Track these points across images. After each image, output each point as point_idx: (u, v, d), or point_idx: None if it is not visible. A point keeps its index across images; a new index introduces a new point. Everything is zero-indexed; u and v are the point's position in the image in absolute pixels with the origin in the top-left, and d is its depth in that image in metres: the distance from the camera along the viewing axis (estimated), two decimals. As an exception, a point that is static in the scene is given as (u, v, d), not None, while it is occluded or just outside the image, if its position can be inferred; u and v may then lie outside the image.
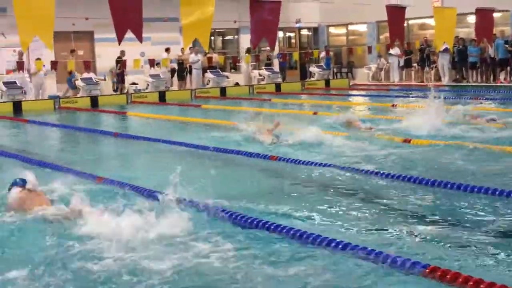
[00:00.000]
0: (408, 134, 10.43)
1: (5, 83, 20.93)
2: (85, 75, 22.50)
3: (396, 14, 16.84)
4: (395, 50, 25.23)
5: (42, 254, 4.91)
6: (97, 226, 5.34)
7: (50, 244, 5.13)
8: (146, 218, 5.34)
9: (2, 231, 5.55)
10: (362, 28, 29.22)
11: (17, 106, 19.95)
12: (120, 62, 22.68)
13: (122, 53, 22.68)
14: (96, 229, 5.30)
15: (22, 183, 6.33)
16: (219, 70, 25.61)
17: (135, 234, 5.12)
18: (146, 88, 23.46)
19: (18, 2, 9.46)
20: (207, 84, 24.65)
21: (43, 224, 5.67)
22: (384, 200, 6.44)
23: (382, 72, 27.20)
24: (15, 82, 21.19)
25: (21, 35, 9.84)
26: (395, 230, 5.37)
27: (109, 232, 5.13)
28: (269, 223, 5.43)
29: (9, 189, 6.33)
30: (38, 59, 21.21)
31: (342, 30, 30.47)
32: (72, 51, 22.98)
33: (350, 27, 29.73)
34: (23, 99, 20.65)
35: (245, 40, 28.64)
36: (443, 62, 23.88)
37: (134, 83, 23.94)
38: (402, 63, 25.98)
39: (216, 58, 25.52)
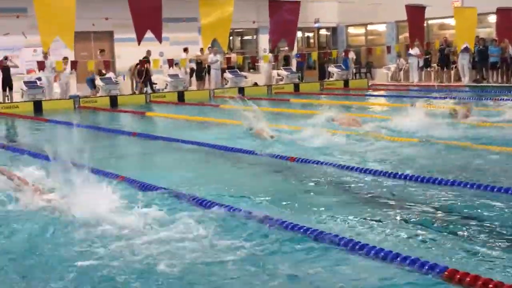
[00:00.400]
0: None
1: (25, 83, 21.15)
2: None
3: (416, 13, 16.72)
4: (415, 50, 25.06)
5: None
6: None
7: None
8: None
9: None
10: (381, 28, 29.08)
11: (37, 106, 20.15)
12: (147, 61, 22.76)
13: (148, 52, 22.83)
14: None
15: None
16: (238, 70, 25.65)
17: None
18: (165, 88, 23.57)
19: (39, 2, 9.53)
20: (226, 84, 24.69)
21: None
22: (400, 202, 6.40)
23: (401, 72, 27.05)
24: (35, 82, 21.41)
25: (42, 35, 9.92)
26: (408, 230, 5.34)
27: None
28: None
29: None
30: (65, 58, 21.44)
31: (361, 30, 30.36)
32: (102, 50, 23.09)
33: (369, 27, 29.61)
34: (43, 99, 20.85)
35: (263, 40, 28.66)
36: (463, 62, 23.70)
37: (153, 83, 24.06)
38: (421, 63, 25.81)
39: (235, 58, 25.54)
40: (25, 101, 20.47)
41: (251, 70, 28.25)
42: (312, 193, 7.01)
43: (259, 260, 4.69)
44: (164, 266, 4.56)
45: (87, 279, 4.43)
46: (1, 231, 5.67)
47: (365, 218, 5.79)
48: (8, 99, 20.86)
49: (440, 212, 5.98)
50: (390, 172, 7.57)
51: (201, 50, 24.46)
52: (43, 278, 4.52)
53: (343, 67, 26.88)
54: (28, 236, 5.45)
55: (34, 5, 9.57)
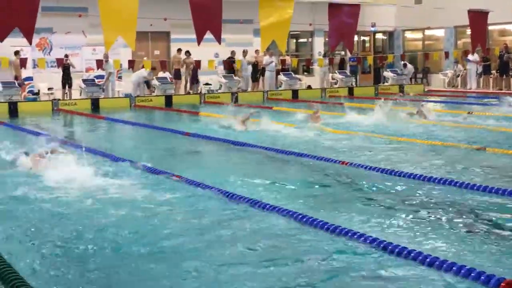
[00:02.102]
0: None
1: (84, 81, 21.61)
2: (161, 74, 22.96)
3: (478, 19, 16.35)
4: (474, 56, 24.52)
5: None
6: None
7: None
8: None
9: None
10: (439, 33, 28.57)
11: (95, 103, 20.54)
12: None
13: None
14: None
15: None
16: (292, 72, 25.60)
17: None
18: (219, 89, 23.72)
19: (103, 2, 9.70)
20: (280, 86, 24.68)
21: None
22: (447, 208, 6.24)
23: (459, 79, 26.52)
24: (94, 80, 21.86)
25: (105, 35, 10.09)
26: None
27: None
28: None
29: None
30: (145, 58, 21.90)
31: (418, 35, 29.90)
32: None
33: (427, 32, 29.14)
34: (101, 97, 21.25)
35: (319, 43, 28.54)
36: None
37: (207, 84, 24.24)
38: (480, 70, 25.23)
39: (289, 60, 25.51)
40: (83, 99, 20.91)
41: (305, 73, 28.17)
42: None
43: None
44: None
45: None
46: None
47: (418, 225, 5.66)
48: (67, 96, 21.35)
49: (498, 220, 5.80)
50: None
51: (256, 51, 24.52)
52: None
53: (399, 71, 26.51)
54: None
55: (99, 5, 9.74)
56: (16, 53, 20.67)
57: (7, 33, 8.96)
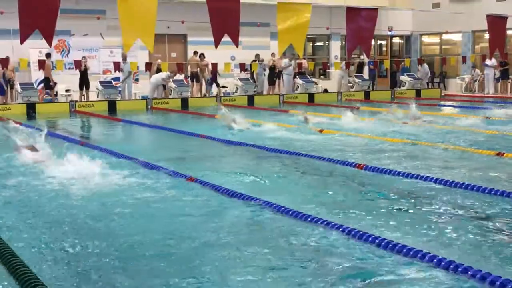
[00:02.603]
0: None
1: (101, 83, 21.74)
2: (177, 76, 23.05)
3: (497, 24, 16.24)
4: (492, 61, 24.35)
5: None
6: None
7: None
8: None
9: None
10: (457, 37, 28.42)
11: (112, 105, 20.66)
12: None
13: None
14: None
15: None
16: (308, 76, 25.59)
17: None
18: (235, 92, 23.75)
19: (122, 5, 9.75)
20: (296, 89, 24.68)
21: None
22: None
23: (476, 83, 26.35)
24: (111, 82, 22.00)
25: (124, 37, 10.15)
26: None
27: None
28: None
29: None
30: (163, 60, 22.04)
31: (436, 39, 29.76)
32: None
33: (444, 36, 28.99)
34: (118, 99, 21.37)
35: (335, 47, 28.50)
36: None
37: (223, 87, 24.28)
38: (498, 75, 25.05)
39: (306, 64, 25.49)
40: (100, 101, 21.04)
41: (322, 77, 28.15)
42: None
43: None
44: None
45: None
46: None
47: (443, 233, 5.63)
48: (84, 98, 21.49)
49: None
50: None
51: (272, 54, 24.54)
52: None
53: (415, 76, 26.42)
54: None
55: (118, 7, 9.79)
56: (48, 55, 20.90)
57: (27, 35, 9.03)
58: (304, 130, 13.18)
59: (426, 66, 26.74)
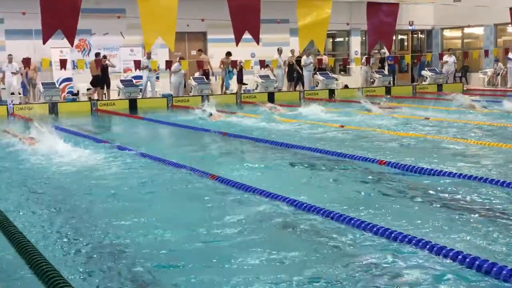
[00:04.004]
0: None
1: (122, 81, 21.84)
2: (197, 74, 23.08)
3: (520, 17, 16.03)
4: (515, 55, 24.05)
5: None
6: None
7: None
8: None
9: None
10: (479, 31, 28.09)
11: (132, 104, 20.76)
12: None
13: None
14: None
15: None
16: (329, 72, 25.47)
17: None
18: (256, 89, 23.72)
19: (143, 4, 9.77)
20: (316, 86, 24.58)
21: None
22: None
23: (499, 77, 26.03)
24: (131, 80, 22.09)
25: (145, 36, 10.17)
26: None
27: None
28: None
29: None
30: (182, 58, 22.10)
31: (457, 33, 29.45)
32: (199, 50, 23.51)
33: (466, 30, 28.68)
34: (139, 97, 21.46)
35: (355, 42, 28.34)
36: None
37: (244, 84, 24.26)
38: (521, 68, 24.74)
39: (326, 60, 25.38)
40: (121, 99, 21.14)
41: (342, 73, 28.01)
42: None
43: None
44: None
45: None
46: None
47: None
48: (105, 96, 21.61)
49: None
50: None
51: (292, 51, 24.46)
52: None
53: (437, 70, 26.15)
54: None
55: (138, 6, 9.82)
56: (97, 55, 21.30)
57: (50, 35, 9.09)
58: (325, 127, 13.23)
59: (453, 57, 26.32)
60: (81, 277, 4.59)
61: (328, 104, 19.64)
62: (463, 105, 16.67)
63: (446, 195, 6.81)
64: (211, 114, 16.19)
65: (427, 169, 7.93)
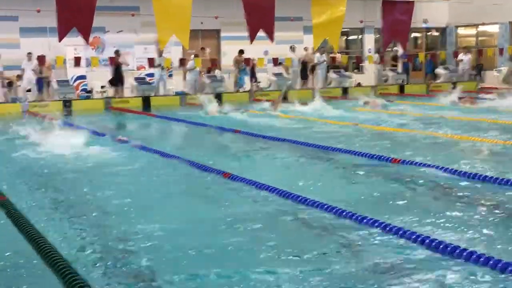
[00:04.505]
0: None
1: (136, 79, 21.91)
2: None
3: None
4: (530, 53, 23.85)
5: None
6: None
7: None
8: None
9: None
10: (494, 28, 27.88)
11: (146, 101, 20.80)
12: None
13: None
14: None
15: None
16: (342, 70, 25.39)
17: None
18: (269, 87, 23.69)
19: (157, 2, 9.79)
20: (330, 84, 24.51)
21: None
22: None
23: (514, 75, 25.84)
24: (145, 78, 22.15)
25: (159, 34, 10.19)
26: None
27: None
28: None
29: None
30: (196, 56, 22.15)
31: (472, 31, 29.25)
32: (202, 48, 23.55)
33: (480, 28, 28.47)
34: (152, 95, 21.51)
35: (369, 40, 28.23)
36: None
37: (257, 81, 24.24)
38: (536, 67, 24.55)
39: (339, 58, 25.30)
40: (135, 97, 21.20)
41: (355, 70, 27.91)
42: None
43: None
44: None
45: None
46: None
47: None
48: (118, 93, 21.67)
49: None
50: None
51: (305, 48, 24.40)
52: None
53: (450, 68, 25.98)
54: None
55: (153, 4, 9.83)
56: (117, 52, 21.47)
57: (66, 33, 9.14)
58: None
59: (469, 55, 26.11)
60: (94, 274, 4.61)
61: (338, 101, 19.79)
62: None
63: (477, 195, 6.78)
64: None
65: (446, 168, 7.89)
